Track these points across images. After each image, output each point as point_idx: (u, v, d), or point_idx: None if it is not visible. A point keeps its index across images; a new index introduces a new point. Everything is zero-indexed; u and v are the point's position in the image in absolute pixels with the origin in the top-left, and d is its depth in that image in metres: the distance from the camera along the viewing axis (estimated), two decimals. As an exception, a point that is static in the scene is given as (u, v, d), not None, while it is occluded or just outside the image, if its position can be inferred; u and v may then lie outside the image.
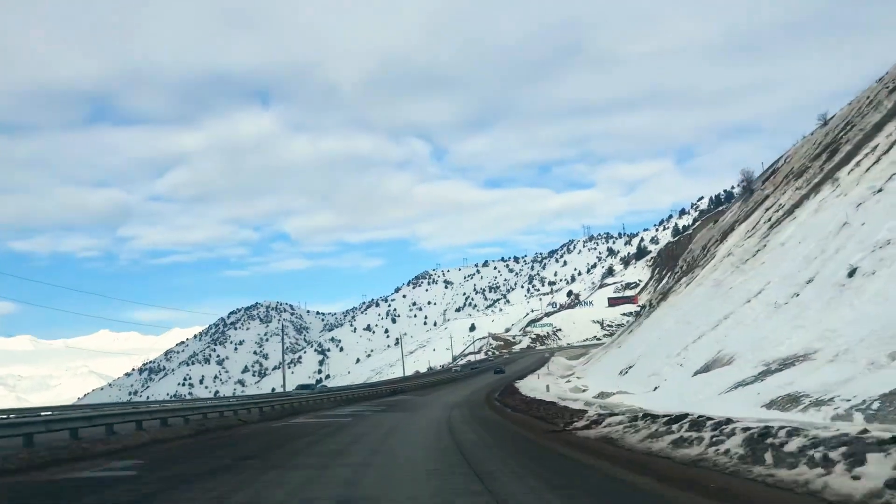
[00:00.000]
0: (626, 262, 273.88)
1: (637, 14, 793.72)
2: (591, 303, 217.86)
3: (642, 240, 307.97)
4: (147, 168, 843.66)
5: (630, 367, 38.22)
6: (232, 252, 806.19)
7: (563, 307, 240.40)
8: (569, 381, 48.01)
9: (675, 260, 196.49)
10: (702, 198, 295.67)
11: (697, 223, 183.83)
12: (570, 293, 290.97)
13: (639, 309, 76.95)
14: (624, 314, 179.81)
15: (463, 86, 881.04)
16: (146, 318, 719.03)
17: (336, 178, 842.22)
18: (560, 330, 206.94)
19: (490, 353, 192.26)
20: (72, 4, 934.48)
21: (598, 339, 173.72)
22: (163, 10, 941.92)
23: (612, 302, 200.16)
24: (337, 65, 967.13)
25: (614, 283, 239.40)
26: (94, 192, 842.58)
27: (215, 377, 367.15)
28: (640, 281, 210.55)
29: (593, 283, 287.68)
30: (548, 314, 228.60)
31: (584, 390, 37.01)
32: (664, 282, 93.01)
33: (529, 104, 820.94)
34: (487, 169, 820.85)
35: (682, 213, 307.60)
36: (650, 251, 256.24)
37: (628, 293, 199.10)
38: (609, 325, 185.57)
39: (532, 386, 43.23)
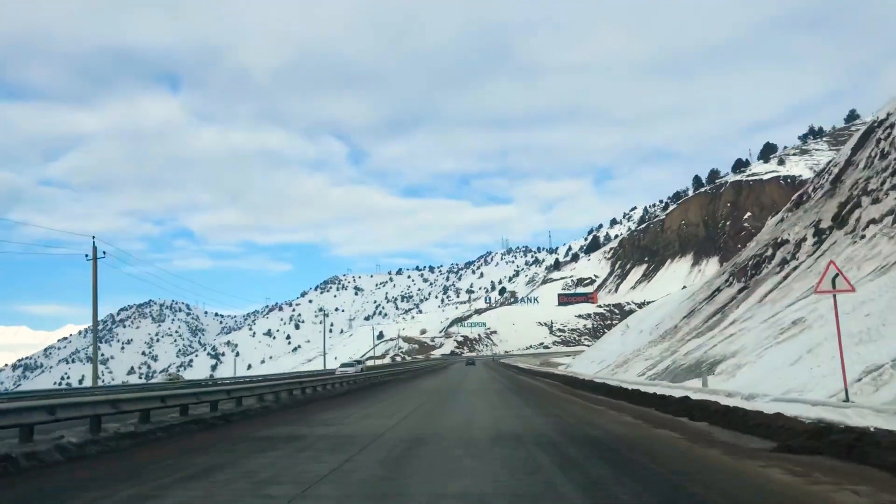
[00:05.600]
0: (575, 257, 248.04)
1: (565, 24, 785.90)
2: (535, 300, 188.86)
3: (570, 248, 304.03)
4: (39, 149, 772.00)
5: None
6: (131, 247, 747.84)
7: (495, 305, 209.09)
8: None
9: (644, 250, 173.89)
10: (634, 208, 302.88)
11: (672, 209, 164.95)
12: (503, 290, 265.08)
13: (726, 280, 55.55)
14: (579, 315, 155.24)
15: (385, 85, 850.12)
16: (38, 312, 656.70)
17: (246, 175, 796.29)
18: (495, 332, 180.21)
19: (399, 358, 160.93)
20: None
21: (547, 347, 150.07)
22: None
23: (564, 300, 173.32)
24: (252, 49, 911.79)
25: (562, 278, 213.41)
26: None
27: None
28: (596, 276, 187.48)
29: (513, 291, 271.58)
30: (478, 311, 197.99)
31: None
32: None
33: (452, 111, 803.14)
34: (406, 176, 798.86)
35: (614, 222, 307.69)
36: (606, 242, 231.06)
37: (581, 290, 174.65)
38: (561, 330, 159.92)
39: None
